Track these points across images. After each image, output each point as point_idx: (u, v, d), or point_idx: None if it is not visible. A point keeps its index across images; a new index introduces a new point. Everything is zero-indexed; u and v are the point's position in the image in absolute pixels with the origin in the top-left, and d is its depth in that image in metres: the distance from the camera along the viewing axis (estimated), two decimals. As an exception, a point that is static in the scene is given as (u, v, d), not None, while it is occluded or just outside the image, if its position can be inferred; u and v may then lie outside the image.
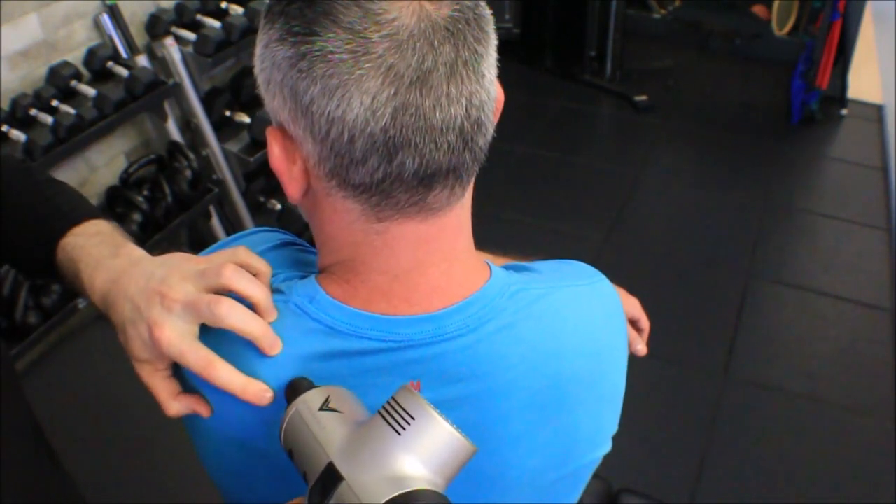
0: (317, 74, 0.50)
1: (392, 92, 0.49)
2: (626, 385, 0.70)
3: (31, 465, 0.73)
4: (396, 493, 0.43)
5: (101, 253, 0.64)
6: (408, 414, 0.45)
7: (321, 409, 0.50)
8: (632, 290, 0.89)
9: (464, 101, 0.51)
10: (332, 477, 0.46)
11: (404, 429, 0.45)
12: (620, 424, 0.71)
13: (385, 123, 0.50)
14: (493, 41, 0.54)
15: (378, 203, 0.54)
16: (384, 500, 0.43)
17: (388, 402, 0.46)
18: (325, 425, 0.49)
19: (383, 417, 0.46)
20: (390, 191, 0.53)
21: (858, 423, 2.09)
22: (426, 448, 0.45)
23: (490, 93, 0.54)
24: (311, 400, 0.51)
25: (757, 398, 2.18)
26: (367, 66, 0.49)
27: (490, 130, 0.56)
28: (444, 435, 0.45)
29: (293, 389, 0.53)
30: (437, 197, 0.55)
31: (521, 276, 0.63)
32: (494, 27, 0.55)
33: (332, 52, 0.49)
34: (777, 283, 2.60)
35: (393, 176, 0.52)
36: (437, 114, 0.50)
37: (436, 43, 0.49)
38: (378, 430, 0.46)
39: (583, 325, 0.64)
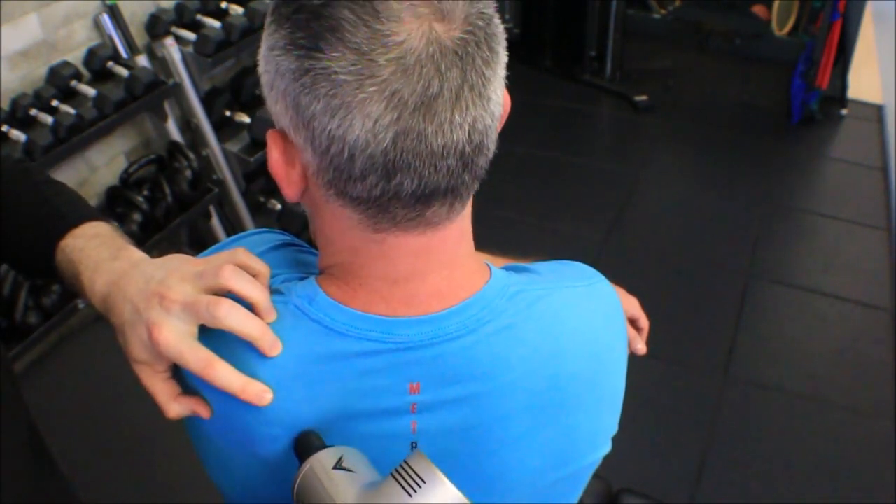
0: (320, 92, 0.49)
1: (395, 117, 0.49)
2: (626, 385, 0.70)
3: (28, 468, 0.73)
4: None
5: (100, 255, 0.64)
6: (419, 477, 0.47)
7: (335, 468, 0.52)
8: (631, 290, 0.89)
9: (467, 127, 0.51)
10: None
11: (415, 491, 0.47)
12: (620, 424, 0.71)
13: (386, 146, 0.49)
14: (503, 58, 0.54)
15: (375, 215, 0.54)
16: None
17: (401, 465, 0.48)
18: (339, 484, 0.51)
19: (395, 479, 0.48)
20: (388, 206, 0.53)
21: (858, 423, 2.09)
22: None
23: (495, 115, 0.54)
24: (324, 458, 0.53)
25: (757, 398, 2.18)
26: (370, 89, 0.48)
27: (492, 150, 0.55)
28: (453, 499, 0.47)
29: (305, 446, 0.55)
30: (435, 213, 0.55)
31: (520, 278, 0.63)
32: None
33: (336, 73, 0.48)
34: (777, 283, 2.60)
35: (390, 194, 0.52)
36: (439, 139, 0.50)
37: (443, 68, 0.49)
38: (390, 492, 0.48)
39: (582, 327, 0.64)
